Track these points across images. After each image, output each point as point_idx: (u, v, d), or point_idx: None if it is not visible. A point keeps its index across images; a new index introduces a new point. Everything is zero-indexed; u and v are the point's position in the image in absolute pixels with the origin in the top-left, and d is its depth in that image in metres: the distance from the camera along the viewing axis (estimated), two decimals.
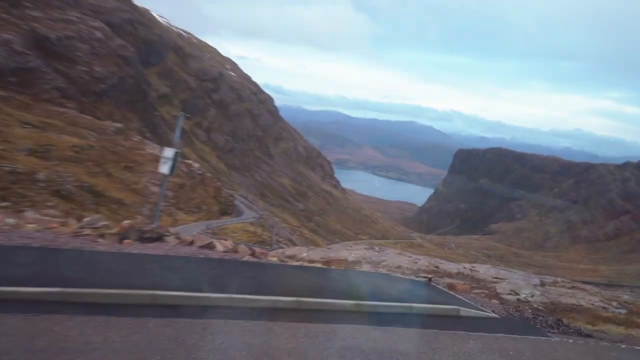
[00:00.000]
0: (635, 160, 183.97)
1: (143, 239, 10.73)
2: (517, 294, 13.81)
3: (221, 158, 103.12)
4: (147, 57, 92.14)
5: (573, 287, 17.81)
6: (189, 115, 70.08)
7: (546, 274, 28.40)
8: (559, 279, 21.78)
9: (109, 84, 62.81)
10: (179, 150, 13.87)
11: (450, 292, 11.92)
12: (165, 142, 52.05)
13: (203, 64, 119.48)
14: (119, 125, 53.10)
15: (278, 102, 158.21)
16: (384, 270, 16.40)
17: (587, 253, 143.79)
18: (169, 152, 12.79)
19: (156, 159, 44.36)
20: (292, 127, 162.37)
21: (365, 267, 17.56)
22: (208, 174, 72.57)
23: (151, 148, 51.78)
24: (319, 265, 14.39)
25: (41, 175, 31.89)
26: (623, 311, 14.32)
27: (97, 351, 4.48)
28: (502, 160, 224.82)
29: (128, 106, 65.07)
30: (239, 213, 78.25)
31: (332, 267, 14.15)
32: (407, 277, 14.30)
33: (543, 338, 9.03)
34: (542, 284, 17.02)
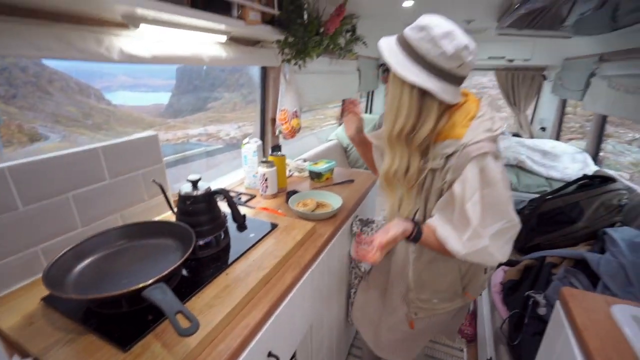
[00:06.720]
0: None
1: None
2: (228, 134, 14.92)
3: None
4: None
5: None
6: None
7: (239, 123, 28.91)
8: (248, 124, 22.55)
9: None
10: None
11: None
12: None
13: None
14: None
15: None
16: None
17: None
18: None
19: None
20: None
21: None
22: None
23: None
24: None
25: None
26: None
27: None
28: (204, 72, 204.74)
29: None
30: None
31: None
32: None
33: None
34: (240, 128, 18.33)
